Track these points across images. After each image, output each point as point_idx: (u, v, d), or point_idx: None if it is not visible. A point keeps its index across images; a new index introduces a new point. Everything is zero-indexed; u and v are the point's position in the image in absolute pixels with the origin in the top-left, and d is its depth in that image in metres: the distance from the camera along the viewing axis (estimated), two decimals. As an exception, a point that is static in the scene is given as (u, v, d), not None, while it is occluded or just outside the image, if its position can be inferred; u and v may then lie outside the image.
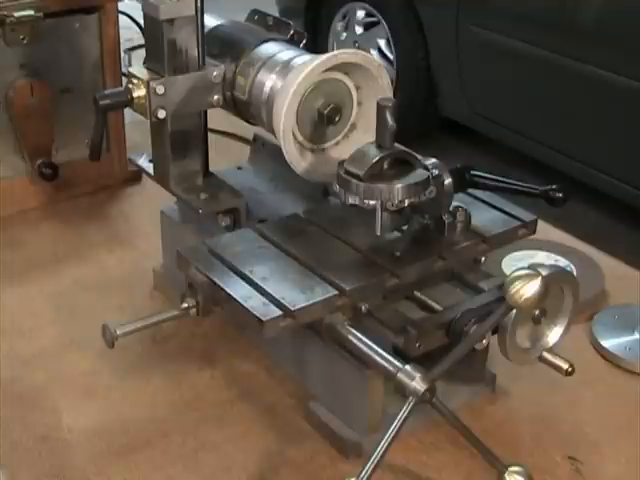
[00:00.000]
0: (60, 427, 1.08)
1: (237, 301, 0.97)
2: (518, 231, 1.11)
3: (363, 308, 1.01)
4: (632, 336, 1.21)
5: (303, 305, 0.96)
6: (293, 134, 1.08)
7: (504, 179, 1.12)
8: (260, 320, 0.94)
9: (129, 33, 1.97)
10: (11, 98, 1.47)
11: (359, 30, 3.98)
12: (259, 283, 0.99)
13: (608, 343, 1.19)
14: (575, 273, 1.25)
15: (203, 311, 1.01)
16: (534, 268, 0.92)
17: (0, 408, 1.09)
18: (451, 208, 1.06)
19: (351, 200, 0.99)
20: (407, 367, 0.92)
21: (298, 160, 1.10)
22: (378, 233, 1.01)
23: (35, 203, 1.55)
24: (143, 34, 1.28)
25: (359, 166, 0.99)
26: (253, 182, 1.26)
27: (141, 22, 1.20)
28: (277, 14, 1.54)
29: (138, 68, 1.14)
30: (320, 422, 1.06)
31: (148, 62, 1.15)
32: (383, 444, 0.90)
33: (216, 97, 1.15)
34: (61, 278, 1.37)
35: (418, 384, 0.91)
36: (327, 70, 1.07)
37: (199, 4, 1.12)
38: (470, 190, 1.13)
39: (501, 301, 0.94)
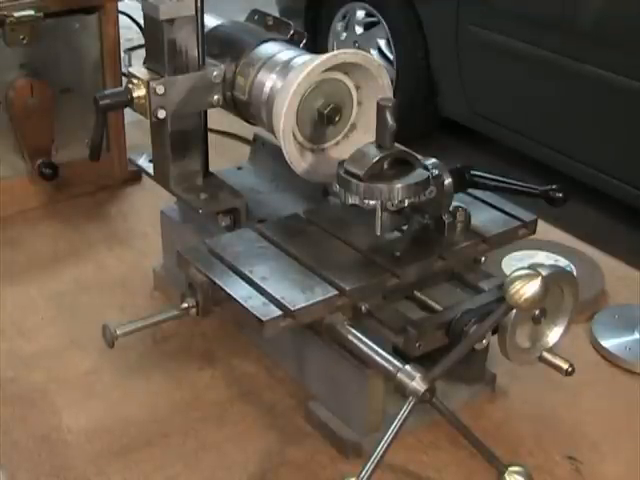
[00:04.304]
0: (60, 427, 1.08)
1: (237, 301, 0.97)
2: (518, 231, 1.11)
3: (363, 308, 1.01)
4: (632, 336, 1.21)
5: (303, 305, 0.96)
6: (293, 134, 1.08)
7: (504, 179, 1.12)
8: (260, 320, 0.94)
9: (129, 33, 1.97)
10: (11, 98, 1.47)
11: (359, 30, 3.98)
12: (259, 283, 0.99)
13: (608, 343, 1.19)
14: (575, 273, 1.25)
15: (203, 311, 1.01)
16: (534, 268, 0.92)
17: (0, 408, 1.09)
18: (451, 208, 1.06)
19: (351, 200, 0.99)
20: (407, 367, 0.92)
21: (298, 160, 1.10)
22: (378, 233, 1.01)
23: (35, 203, 1.55)
24: (143, 34, 1.29)
25: (359, 166, 0.99)
26: (253, 182, 1.26)
27: (141, 22, 1.20)
28: (277, 14, 1.53)
29: (138, 68, 1.14)
30: (320, 422, 1.06)
31: (148, 62, 1.15)
32: (383, 444, 0.90)
33: (216, 97, 1.15)
34: (61, 278, 1.37)
35: (418, 384, 0.91)
36: (327, 70, 1.07)
37: (199, 4, 1.12)
38: (470, 190, 1.13)
39: (501, 301, 0.94)
